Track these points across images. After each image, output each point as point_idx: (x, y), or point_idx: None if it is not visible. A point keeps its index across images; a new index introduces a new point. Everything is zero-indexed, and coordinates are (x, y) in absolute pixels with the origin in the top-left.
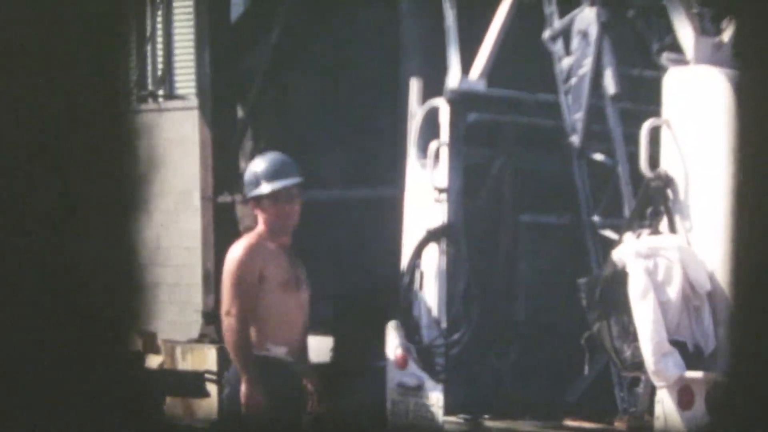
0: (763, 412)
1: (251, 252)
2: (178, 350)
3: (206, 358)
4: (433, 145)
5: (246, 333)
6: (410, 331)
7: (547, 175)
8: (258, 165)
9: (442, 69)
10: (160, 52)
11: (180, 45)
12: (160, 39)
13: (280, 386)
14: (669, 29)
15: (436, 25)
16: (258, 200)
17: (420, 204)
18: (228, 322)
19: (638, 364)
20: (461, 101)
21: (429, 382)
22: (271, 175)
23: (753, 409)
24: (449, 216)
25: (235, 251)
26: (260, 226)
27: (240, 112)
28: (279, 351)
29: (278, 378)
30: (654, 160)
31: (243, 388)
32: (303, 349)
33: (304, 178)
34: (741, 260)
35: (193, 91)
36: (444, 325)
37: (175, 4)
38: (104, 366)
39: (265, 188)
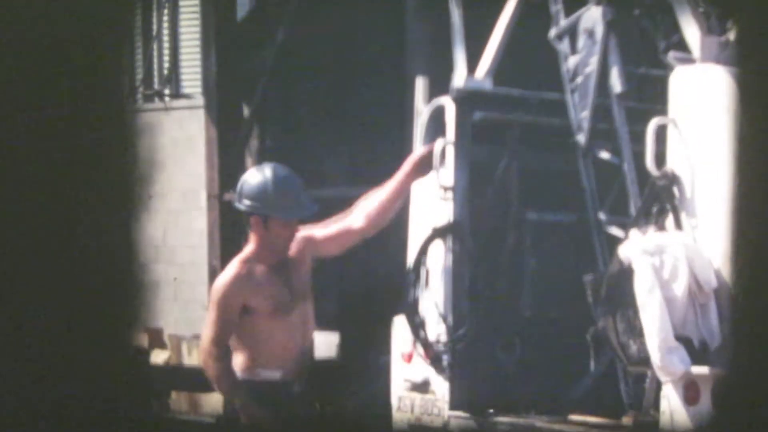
0: (759, 406)
1: (236, 284)
2: (184, 345)
3: None
4: (438, 144)
5: (224, 364)
6: (416, 328)
7: (553, 174)
8: (269, 182)
9: (447, 67)
10: (166, 51)
11: (186, 44)
12: (166, 38)
13: (272, 408)
14: (675, 28)
15: (441, 24)
16: (265, 218)
17: (426, 202)
18: (204, 358)
19: (644, 360)
20: (467, 100)
21: (435, 378)
22: (289, 199)
23: (759, 405)
24: (455, 214)
25: (220, 282)
26: (253, 246)
27: (246, 111)
28: (272, 375)
29: (269, 400)
30: (660, 159)
31: (242, 416)
32: (302, 368)
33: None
34: (746, 257)
35: (199, 90)
36: (450, 321)
37: (181, 3)
38: (109, 361)
39: (288, 213)
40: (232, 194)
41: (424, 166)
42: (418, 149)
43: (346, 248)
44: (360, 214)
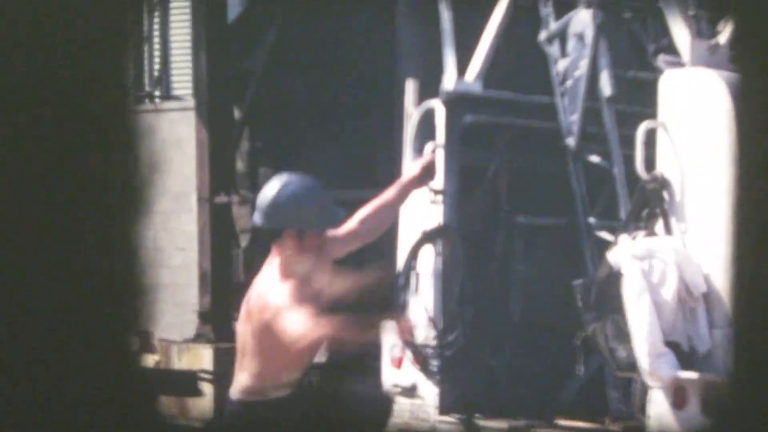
0: (760, 413)
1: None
2: (174, 350)
3: (202, 358)
4: (429, 147)
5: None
6: None
7: (543, 177)
8: (300, 194)
9: (438, 70)
10: (156, 53)
11: (177, 46)
12: (156, 39)
13: (283, 422)
14: (665, 31)
15: (432, 27)
16: (300, 232)
17: (416, 205)
18: (315, 331)
19: (633, 365)
20: (457, 103)
21: (423, 382)
22: (320, 207)
23: (750, 410)
24: (445, 217)
25: (288, 303)
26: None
27: (237, 113)
28: (280, 393)
29: (280, 415)
30: (650, 162)
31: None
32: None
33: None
34: (736, 262)
35: (189, 91)
36: (440, 326)
37: (172, 5)
38: (100, 365)
39: (325, 223)
40: (222, 197)
41: (427, 175)
42: (421, 159)
43: (349, 252)
44: (366, 219)
